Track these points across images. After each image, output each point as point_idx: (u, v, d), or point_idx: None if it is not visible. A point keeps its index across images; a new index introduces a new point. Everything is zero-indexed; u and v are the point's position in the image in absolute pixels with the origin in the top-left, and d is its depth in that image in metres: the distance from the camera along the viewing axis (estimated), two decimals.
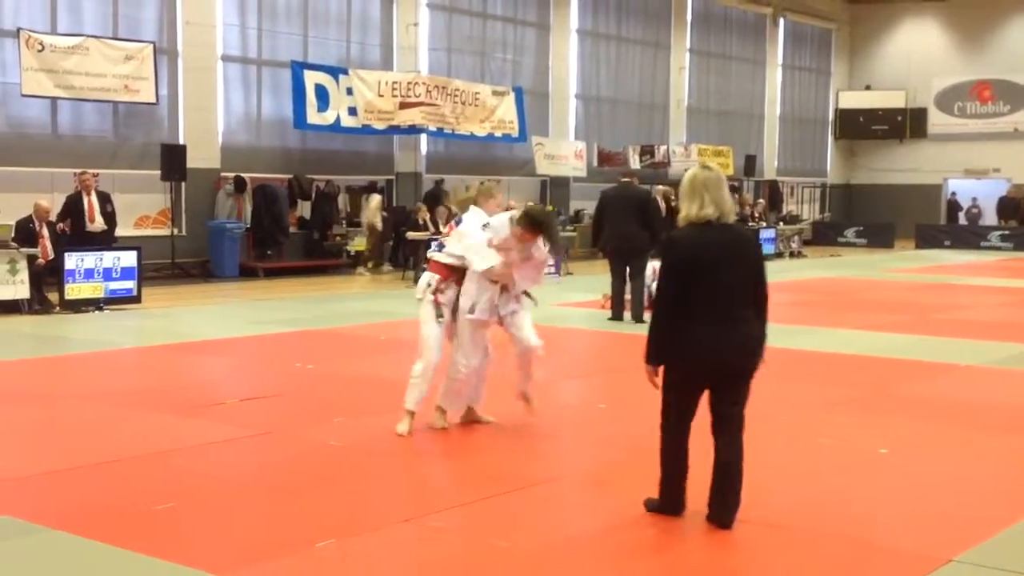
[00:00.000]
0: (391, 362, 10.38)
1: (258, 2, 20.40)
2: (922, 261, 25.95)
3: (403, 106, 21.34)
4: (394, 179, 22.71)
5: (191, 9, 19.23)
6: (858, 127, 36.72)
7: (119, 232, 16.13)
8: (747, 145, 31.86)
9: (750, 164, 30.79)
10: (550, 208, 8.15)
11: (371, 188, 21.68)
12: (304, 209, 21.24)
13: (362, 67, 21.49)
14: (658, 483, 5.36)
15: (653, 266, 12.53)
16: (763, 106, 33.70)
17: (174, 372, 9.96)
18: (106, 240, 15.25)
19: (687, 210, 5.21)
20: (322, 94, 20.28)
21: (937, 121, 35.76)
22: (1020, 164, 33.82)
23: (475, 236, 7.18)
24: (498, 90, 23.79)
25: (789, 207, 33.52)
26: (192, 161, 18.51)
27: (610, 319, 13.31)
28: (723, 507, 5.17)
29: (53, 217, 14.71)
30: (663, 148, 27.97)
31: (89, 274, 14.02)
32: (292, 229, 20.70)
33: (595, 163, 26.64)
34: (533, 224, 7.07)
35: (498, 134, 23.71)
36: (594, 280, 17.48)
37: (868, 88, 36.77)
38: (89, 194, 15.36)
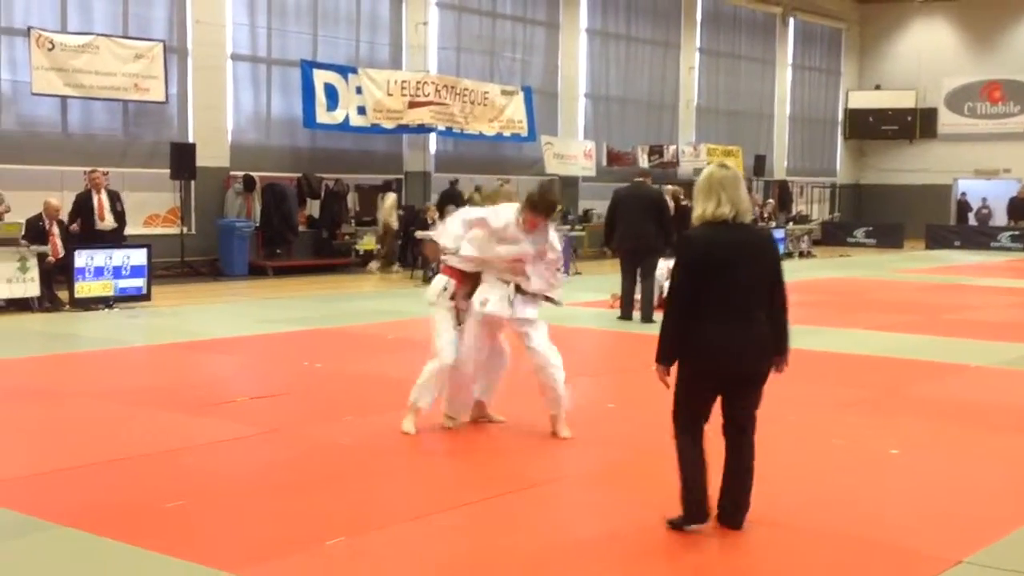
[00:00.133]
0: (399, 361, 10.38)
1: (267, 1, 20.44)
2: (932, 262, 25.89)
3: (412, 105, 21.35)
4: (403, 178, 22.71)
5: (201, 8, 19.26)
6: (868, 127, 36.64)
7: (129, 230, 16.15)
8: (756, 145, 31.82)
9: (759, 164, 30.75)
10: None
11: (386, 187, 21.66)
12: (313, 208, 21.26)
13: (371, 66, 21.51)
14: (679, 495, 5.16)
15: (666, 265, 12.50)
16: (773, 106, 33.66)
17: (183, 370, 9.97)
18: (116, 238, 15.28)
19: (703, 209, 5.09)
20: (331, 93, 20.30)
21: (947, 121, 35.67)
22: None
23: (453, 221, 7.24)
24: (507, 89, 23.79)
25: (798, 207, 33.46)
26: (201, 160, 18.54)
27: (619, 319, 13.30)
28: (733, 508, 5.15)
29: (63, 215, 14.74)
30: (672, 148, 27.94)
31: (99, 272, 14.04)
32: (301, 228, 20.72)
33: (604, 163, 26.63)
34: (535, 206, 6.94)
35: (507, 133, 23.70)
36: (603, 280, 17.47)
37: (878, 88, 36.70)
38: (99, 192, 15.39)
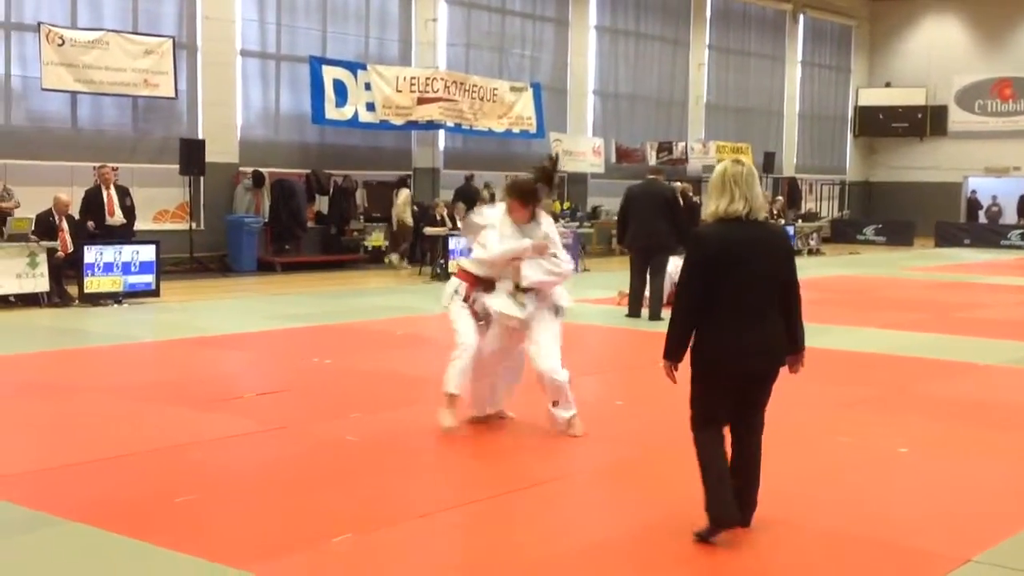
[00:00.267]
0: (408, 357, 10.40)
1: None
2: (941, 259, 25.83)
3: (421, 101, 21.35)
4: (412, 175, 22.72)
5: (210, 4, 19.29)
6: (878, 124, 36.56)
7: (138, 226, 16.19)
8: (766, 142, 31.76)
9: (769, 161, 30.70)
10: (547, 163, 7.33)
11: (401, 183, 21.68)
12: (322, 204, 21.28)
13: (380, 62, 21.52)
14: (704, 505, 5.00)
15: (676, 263, 12.47)
16: (782, 103, 33.60)
17: (192, 366, 9.98)
18: (125, 234, 15.31)
19: (715, 205, 5.00)
20: (340, 89, 20.31)
21: (957, 119, 35.57)
22: None
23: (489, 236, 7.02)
24: (516, 86, 23.77)
25: (808, 204, 33.42)
26: (211, 156, 18.58)
27: (627, 316, 13.28)
28: (740, 506, 5.08)
29: (72, 211, 14.77)
30: (681, 144, 27.90)
31: (108, 268, 14.08)
32: (310, 224, 20.75)
33: (613, 159, 26.61)
34: (510, 192, 6.85)
35: (516, 130, 23.68)
36: (610, 276, 17.46)
37: (888, 85, 36.61)
38: (108, 188, 15.42)
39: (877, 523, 5.38)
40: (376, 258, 21.28)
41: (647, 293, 13.23)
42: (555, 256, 6.84)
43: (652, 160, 26.39)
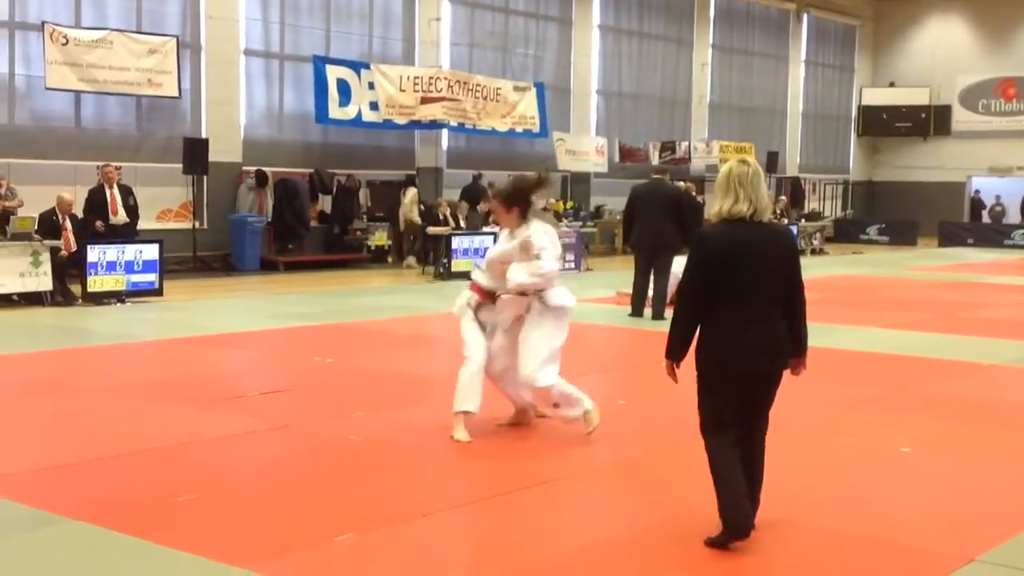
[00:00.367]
0: (410, 357, 10.41)
1: None
2: (945, 259, 25.81)
3: (424, 101, 21.35)
4: (415, 174, 22.71)
5: (214, 3, 19.30)
6: (881, 124, 36.53)
7: (141, 225, 16.20)
8: (769, 142, 31.73)
9: (772, 161, 30.66)
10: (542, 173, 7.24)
11: (408, 182, 21.68)
12: (325, 203, 21.29)
13: (384, 62, 21.51)
14: (718, 511, 4.93)
15: (682, 262, 12.44)
16: (786, 102, 33.57)
17: (194, 365, 9.99)
18: (128, 233, 15.32)
19: (720, 205, 4.94)
20: (344, 89, 20.31)
21: (961, 118, 35.53)
22: None
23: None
24: (519, 85, 23.76)
25: (811, 204, 33.39)
26: (214, 155, 18.58)
27: (630, 315, 13.28)
28: None
29: (75, 210, 14.78)
30: (684, 144, 27.88)
31: (111, 267, 14.08)
32: (313, 223, 20.75)
33: (616, 159, 26.59)
34: (498, 197, 6.83)
35: (519, 129, 23.68)
36: (613, 276, 17.47)
37: (892, 85, 36.58)
38: (111, 187, 15.43)
39: (880, 523, 5.38)
40: (379, 257, 21.28)
41: (650, 293, 13.22)
42: (538, 258, 6.68)
43: (654, 160, 26.38)
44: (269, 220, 19.81)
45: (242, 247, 19.13)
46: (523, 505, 5.68)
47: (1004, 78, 34.85)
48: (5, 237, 13.57)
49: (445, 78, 21.88)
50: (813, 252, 27.27)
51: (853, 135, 36.87)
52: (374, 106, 20.71)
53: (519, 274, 6.69)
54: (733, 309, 4.89)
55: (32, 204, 14.88)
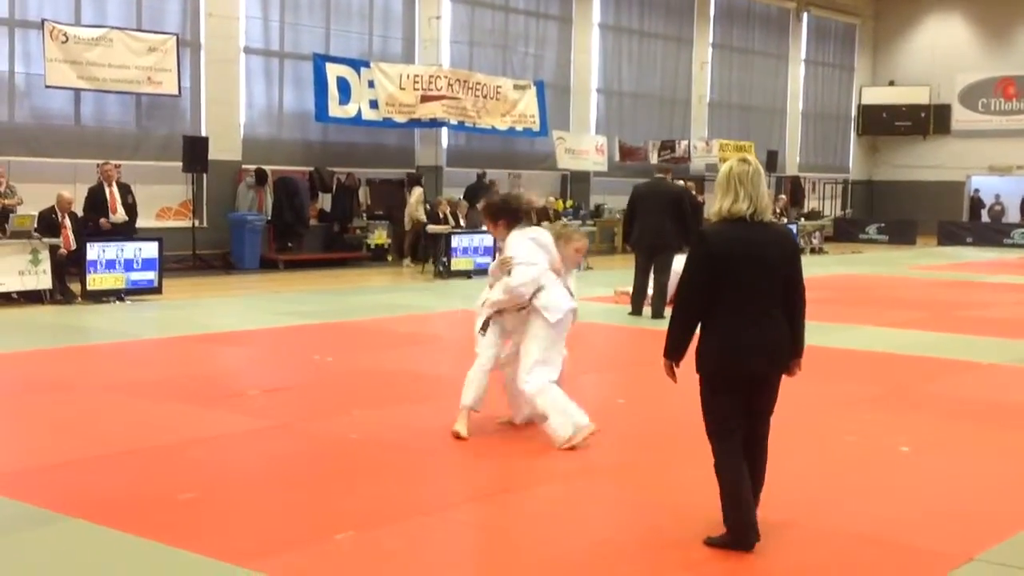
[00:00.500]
0: (410, 355, 10.41)
1: None
2: (944, 258, 25.81)
3: (424, 99, 21.35)
4: (421, 174, 22.70)
5: (214, 1, 19.30)
6: (881, 123, 36.53)
7: (141, 223, 16.20)
8: (769, 140, 31.74)
9: (772, 160, 30.66)
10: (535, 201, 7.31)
11: (415, 181, 21.67)
12: (325, 202, 21.29)
13: (384, 60, 21.51)
14: (723, 515, 4.90)
15: (683, 260, 12.43)
16: (785, 101, 33.58)
17: (194, 363, 9.99)
18: (127, 231, 15.31)
19: (720, 204, 4.89)
20: (344, 87, 20.31)
21: (961, 117, 35.54)
22: None
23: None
24: (519, 84, 23.77)
25: (811, 203, 33.40)
26: (214, 153, 18.57)
27: (630, 314, 13.28)
28: None
29: (75, 208, 14.78)
30: (684, 143, 27.88)
31: (111, 265, 14.08)
32: (312, 222, 20.76)
33: (616, 158, 26.59)
34: (484, 211, 6.93)
35: (519, 128, 23.67)
36: (613, 275, 17.47)
37: (892, 84, 36.58)
38: (111, 185, 15.42)
39: (879, 522, 5.38)
40: (379, 256, 21.28)
41: (650, 291, 13.22)
42: (509, 274, 6.70)
43: (653, 159, 26.37)
44: (269, 218, 19.81)
45: (242, 245, 19.13)
46: (522, 504, 5.68)
47: (1004, 77, 34.85)
48: (4, 235, 13.57)
49: (445, 76, 21.87)
50: (812, 251, 27.28)
51: (853, 134, 36.87)
52: (374, 104, 20.71)
53: (495, 293, 6.83)
54: (732, 309, 4.86)
55: (32, 202, 14.87)
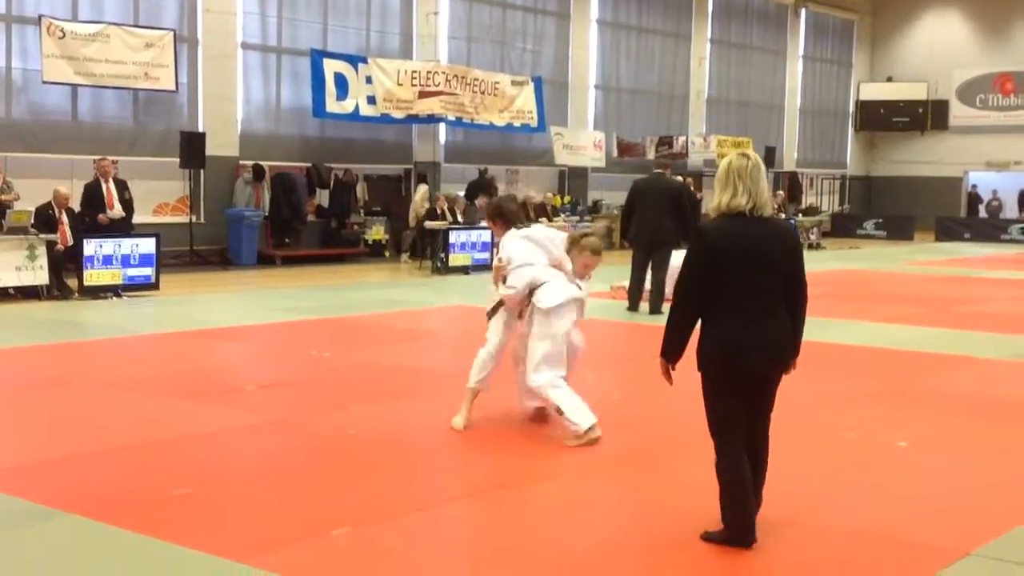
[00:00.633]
0: (408, 351, 10.40)
1: None
2: (942, 254, 25.82)
3: (422, 95, 21.32)
4: (412, 168, 22.71)
5: None
6: (879, 119, 36.54)
7: (138, 219, 16.18)
8: (767, 136, 31.74)
9: (770, 155, 30.62)
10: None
11: (420, 179, 21.58)
12: (322, 198, 21.28)
13: (381, 56, 21.49)
14: (721, 512, 4.88)
15: (681, 256, 12.42)
16: (783, 97, 33.57)
17: (191, 359, 9.98)
18: (124, 227, 15.30)
19: (719, 199, 4.82)
20: (341, 83, 20.29)
21: (959, 113, 35.55)
22: None
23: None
24: (517, 80, 23.75)
25: (808, 199, 33.39)
26: (211, 149, 18.56)
27: (627, 310, 13.27)
28: None
29: (72, 203, 14.76)
30: (682, 139, 27.86)
31: (107, 260, 14.07)
32: (310, 217, 20.76)
33: (614, 153, 26.59)
34: (486, 212, 7.07)
35: (517, 124, 23.66)
36: (611, 270, 17.43)
37: (889, 80, 36.58)
38: (107, 181, 15.40)
39: (876, 517, 5.38)
40: (376, 252, 21.27)
41: (647, 287, 13.21)
42: (504, 282, 6.88)
43: (651, 155, 26.36)
44: (266, 214, 19.79)
45: (239, 241, 19.12)
46: (519, 500, 5.68)
47: (1001, 73, 34.87)
48: (1, 231, 13.57)
49: (443, 72, 21.85)
50: (810, 247, 27.22)
51: (851, 130, 36.87)
52: (371, 100, 20.70)
53: (499, 285, 6.96)
54: (732, 306, 4.79)
55: (28, 198, 14.86)
